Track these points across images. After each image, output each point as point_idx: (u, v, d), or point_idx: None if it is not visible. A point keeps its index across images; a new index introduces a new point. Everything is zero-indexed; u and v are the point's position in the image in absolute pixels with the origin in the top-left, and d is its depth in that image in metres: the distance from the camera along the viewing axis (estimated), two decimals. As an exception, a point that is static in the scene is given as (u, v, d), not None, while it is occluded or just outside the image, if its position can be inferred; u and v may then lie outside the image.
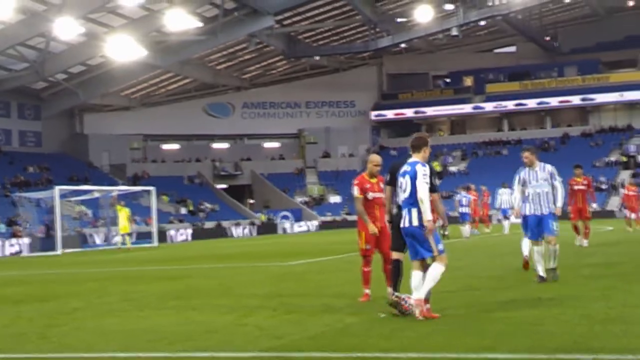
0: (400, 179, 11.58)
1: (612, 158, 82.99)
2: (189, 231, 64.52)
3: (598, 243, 26.52)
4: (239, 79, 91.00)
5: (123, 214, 44.76)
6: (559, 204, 15.66)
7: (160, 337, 10.46)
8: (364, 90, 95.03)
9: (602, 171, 78.66)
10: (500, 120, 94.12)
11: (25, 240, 50.13)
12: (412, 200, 11.34)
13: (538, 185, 15.51)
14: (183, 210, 77.29)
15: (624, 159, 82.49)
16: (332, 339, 9.75)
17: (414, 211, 11.31)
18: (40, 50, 65.52)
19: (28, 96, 76.62)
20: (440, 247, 11.31)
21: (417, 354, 8.37)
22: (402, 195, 11.53)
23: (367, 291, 13.61)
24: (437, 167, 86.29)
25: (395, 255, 12.45)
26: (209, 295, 16.11)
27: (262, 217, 79.32)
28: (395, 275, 12.40)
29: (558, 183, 15.64)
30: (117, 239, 45.96)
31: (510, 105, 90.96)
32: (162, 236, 58.38)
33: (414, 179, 11.33)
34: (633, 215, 37.83)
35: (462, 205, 38.83)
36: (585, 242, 26.13)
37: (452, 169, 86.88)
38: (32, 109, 78.47)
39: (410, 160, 11.68)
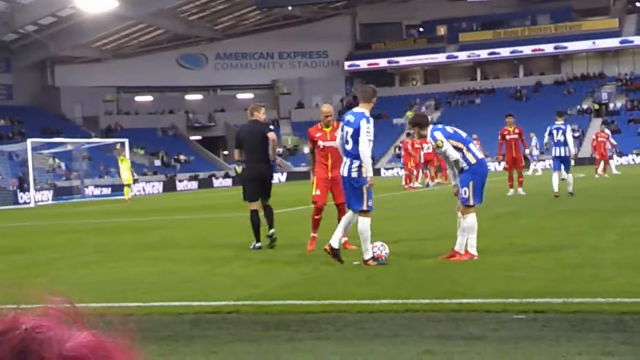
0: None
1: (585, 106, 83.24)
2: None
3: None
4: (211, 30, 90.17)
5: (125, 164, 42.89)
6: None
7: (134, 287, 10.49)
8: (337, 41, 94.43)
9: (574, 119, 78.89)
10: (473, 70, 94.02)
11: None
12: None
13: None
14: (157, 162, 77.00)
15: (596, 106, 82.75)
16: (307, 287, 9.82)
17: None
18: (9, 1, 64.61)
19: (-2, 48, 75.74)
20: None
21: (390, 301, 8.45)
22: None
23: (313, 235, 14.06)
24: (411, 116, 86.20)
25: (253, 205, 14.65)
26: (184, 246, 16.15)
27: (238, 169, 79.04)
28: (256, 224, 14.57)
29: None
30: (127, 190, 43.89)
31: (483, 54, 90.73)
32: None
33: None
34: (601, 165, 38.49)
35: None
36: (521, 191, 26.47)
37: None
38: (3, 61, 77.50)
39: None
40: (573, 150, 25.12)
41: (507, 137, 26.70)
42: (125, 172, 42.65)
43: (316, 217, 13.97)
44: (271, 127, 15.34)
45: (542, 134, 27.78)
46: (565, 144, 24.33)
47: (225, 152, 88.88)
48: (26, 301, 1.18)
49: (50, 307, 1.17)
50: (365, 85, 12.30)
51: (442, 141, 11.68)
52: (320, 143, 13.80)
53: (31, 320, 1.13)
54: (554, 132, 24.62)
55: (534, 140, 46.47)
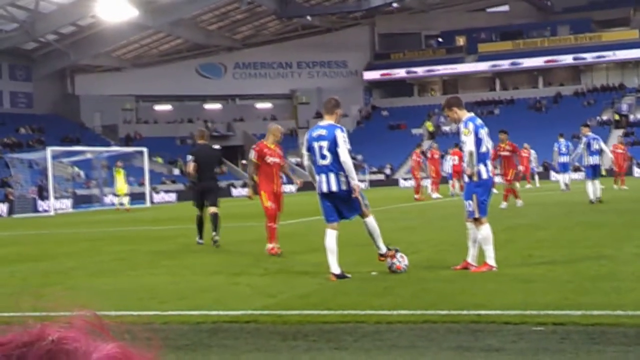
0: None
1: (605, 117, 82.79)
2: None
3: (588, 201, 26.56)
4: (230, 40, 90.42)
5: (121, 176, 44.89)
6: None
7: (152, 295, 10.50)
8: (356, 51, 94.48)
9: (594, 130, 77.75)
10: (492, 80, 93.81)
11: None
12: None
13: None
14: (175, 171, 77.20)
15: (617, 117, 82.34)
16: (324, 297, 9.80)
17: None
18: (30, 10, 65.04)
19: (19, 57, 76.16)
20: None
21: (409, 311, 8.42)
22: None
23: (271, 245, 15.02)
24: (430, 127, 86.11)
25: (199, 211, 18.24)
26: (202, 254, 16.17)
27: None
28: (201, 224, 18.37)
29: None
30: (124, 200, 45.96)
31: (502, 64, 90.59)
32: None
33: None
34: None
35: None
36: (519, 202, 26.68)
37: (445, 128, 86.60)
38: (23, 70, 78.04)
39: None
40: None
41: (501, 153, 26.69)
42: (120, 182, 45.13)
43: (275, 225, 15.09)
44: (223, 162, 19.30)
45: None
46: (599, 152, 26.49)
47: (244, 162, 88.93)
48: (52, 310, 1.18)
49: (76, 318, 1.17)
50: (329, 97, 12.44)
51: (470, 132, 11.77)
52: (269, 159, 15.06)
53: (57, 331, 1.12)
54: (592, 142, 26.53)
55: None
